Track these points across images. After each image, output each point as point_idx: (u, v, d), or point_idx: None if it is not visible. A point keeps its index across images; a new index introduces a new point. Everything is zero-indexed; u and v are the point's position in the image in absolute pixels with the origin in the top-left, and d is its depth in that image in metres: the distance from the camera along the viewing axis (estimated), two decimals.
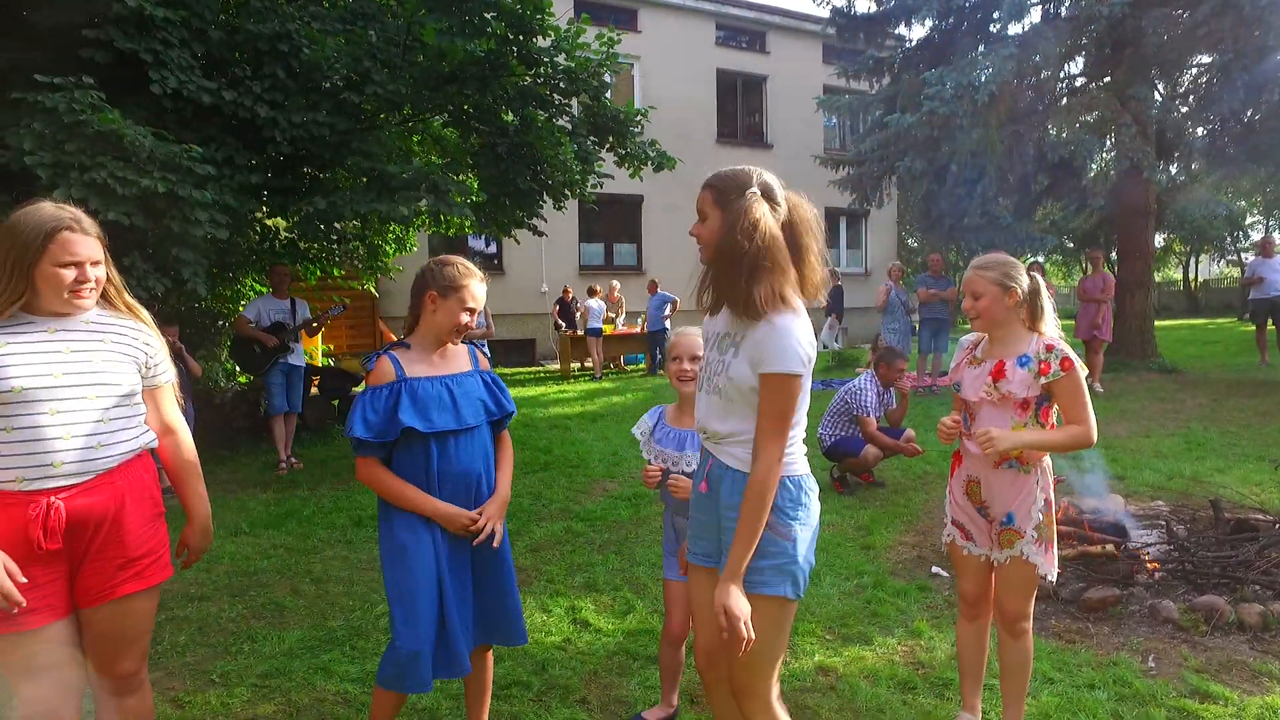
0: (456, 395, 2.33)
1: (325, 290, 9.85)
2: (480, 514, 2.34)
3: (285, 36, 6.05)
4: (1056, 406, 2.50)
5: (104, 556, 1.98)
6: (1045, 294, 2.54)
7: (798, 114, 18.45)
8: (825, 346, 13.25)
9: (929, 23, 10.77)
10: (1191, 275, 32.91)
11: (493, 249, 16.00)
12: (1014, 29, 9.44)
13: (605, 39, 6.77)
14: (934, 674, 3.17)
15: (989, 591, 2.66)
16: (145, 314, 2.16)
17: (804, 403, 1.95)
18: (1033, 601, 2.60)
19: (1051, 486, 2.55)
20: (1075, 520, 4.52)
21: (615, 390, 11.73)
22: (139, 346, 2.10)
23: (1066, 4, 9.19)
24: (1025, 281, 2.49)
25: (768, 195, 1.93)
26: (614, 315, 14.18)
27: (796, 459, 1.97)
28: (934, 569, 4.36)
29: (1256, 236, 31.39)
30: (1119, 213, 9.66)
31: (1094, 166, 10.53)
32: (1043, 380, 2.43)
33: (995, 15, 10.23)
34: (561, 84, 6.58)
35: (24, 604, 1.80)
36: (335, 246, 7.82)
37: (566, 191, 7.57)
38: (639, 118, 7.18)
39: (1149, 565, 4.02)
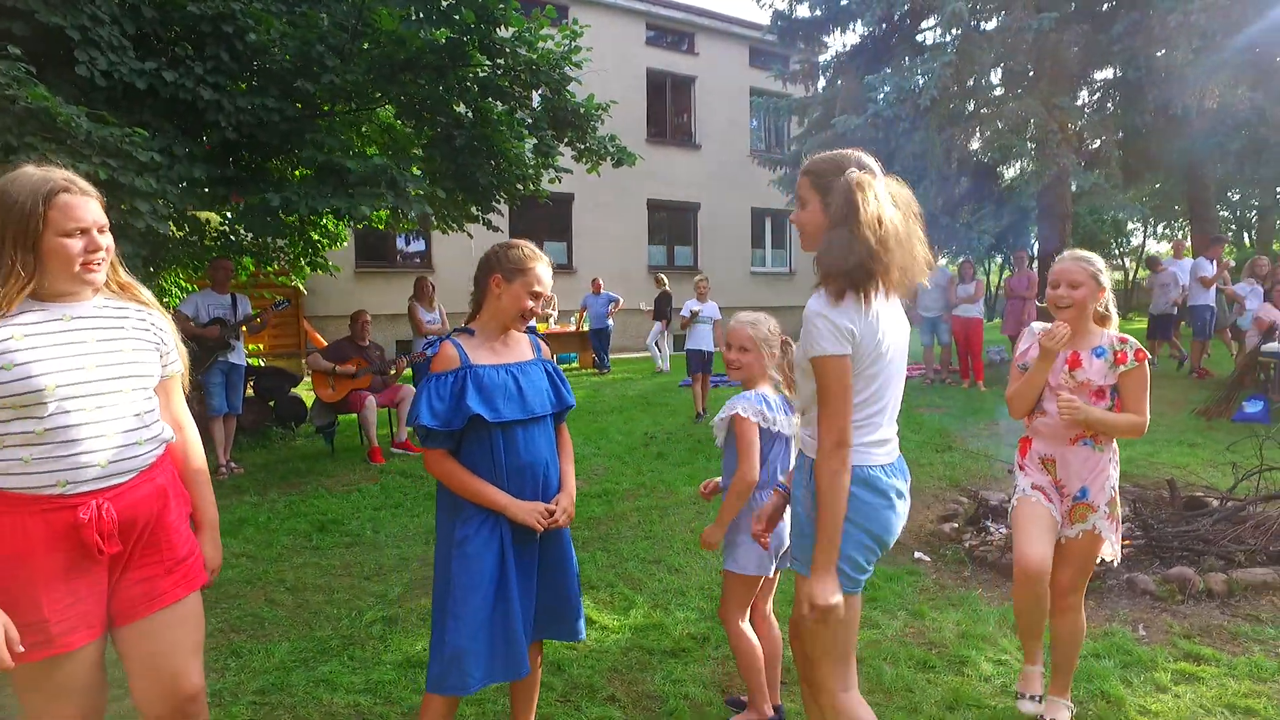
0: (523, 384, 2.23)
1: (257, 287, 9.33)
2: (555, 504, 2.25)
3: (228, 17, 5.69)
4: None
5: (151, 560, 1.80)
6: (1112, 296, 2.68)
7: (725, 115, 18.72)
8: (652, 351, 13.40)
9: (861, 30, 11.11)
10: None
11: (420, 246, 15.57)
12: (945, 38, 9.83)
13: (569, 31, 6.66)
14: (948, 652, 3.24)
15: (1049, 560, 2.59)
16: (146, 293, 1.92)
17: (861, 387, 1.86)
18: (1088, 579, 2.68)
19: (1118, 466, 2.64)
20: None
21: None
22: (155, 332, 1.89)
23: (998, 16, 9.63)
24: (1109, 281, 2.63)
25: (867, 173, 1.88)
26: (549, 313, 14.03)
27: (858, 450, 1.88)
28: (916, 554, 4.47)
29: (1136, 242, 33.87)
30: (1040, 216, 10.21)
31: (1018, 170, 11.08)
32: (1120, 369, 2.53)
33: (924, 25, 10.66)
34: (523, 76, 6.42)
35: (9, 665, 1.57)
36: (280, 242, 7.39)
37: (520, 187, 7.41)
38: (599, 112, 7.09)
39: (1124, 541, 4.22)
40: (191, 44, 5.77)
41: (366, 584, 4.15)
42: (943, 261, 10.97)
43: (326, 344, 9.37)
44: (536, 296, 2.25)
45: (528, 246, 2.30)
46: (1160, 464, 6.18)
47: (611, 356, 14.38)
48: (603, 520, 5.20)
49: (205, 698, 1.95)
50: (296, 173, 7.03)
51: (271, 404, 8.08)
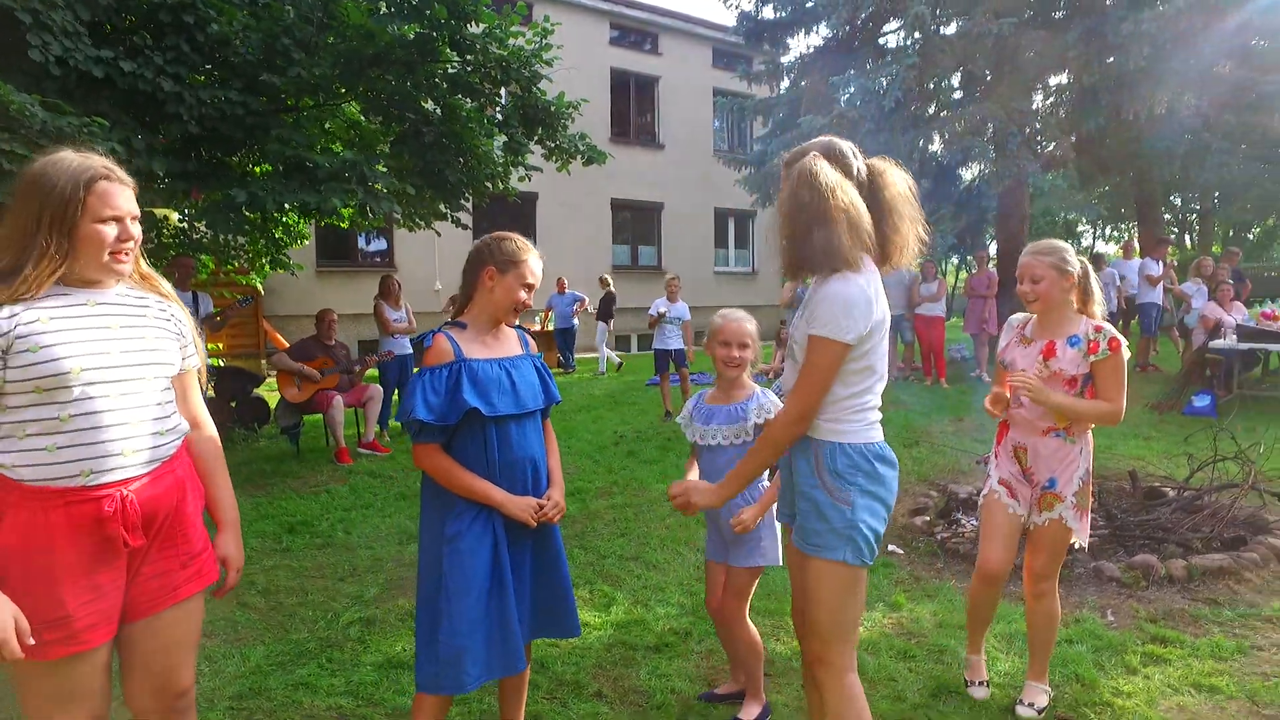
0: (515, 378, 2.22)
1: (216, 286, 9.10)
2: (547, 498, 2.24)
3: (188, 6, 5.54)
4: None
5: (168, 554, 1.77)
6: (1094, 277, 2.68)
7: (688, 115, 18.79)
8: (601, 352, 13.37)
9: (826, 31, 11.25)
10: None
11: (382, 245, 15.35)
12: (908, 41, 10.00)
13: (540, 29, 6.62)
14: (927, 642, 3.30)
15: (1010, 564, 2.74)
16: (166, 285, 1.90)
17: (866, 370, 1.93)
18: (1059, 565, 2.74)
19: (1091, 459, 2.69)
20: None
21: None
22: (175, 324, 1.87)
23: (958, 21, 9.84)
24: (1078, 265, 2.61)
25: (832, 156, 1.95)
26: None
27: (860, 427, 1.95)
28: (890, 547, 4.53)
29: (1086, 242, 34.86)
30: (999, 216, 10.46)
31: (977, 172, 11.32)
32: (1092, 359, 2.55)
33: (887, 29, 10.84)
34: (494, 73, 6.36)
35: (19, 656, 1.53)
36: (241, 239, 7.21)
37: (489, 184, 7.34)
38: (570, 110, 7.05)
39: None
40: (150, 33, 5.61)
41: (341, 585, 4.08)
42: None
43: (289, 344, 9.20)
44: (529, 289, 2.25)
45: (520, 239, 2.29)
46: (1119, 456, 6.37)
47: (576, 356, 14.34)
48: (577, 519, 5.19)
49: (194, 694, 1.91)
50: (258, 169, 6.88)
51: (233, 405, 7.89)
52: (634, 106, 18.33)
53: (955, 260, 22.86)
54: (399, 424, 8.42)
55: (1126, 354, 2.59)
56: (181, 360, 1.87)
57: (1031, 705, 2.70)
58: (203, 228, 6.95)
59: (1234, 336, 8.27)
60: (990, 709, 2.76)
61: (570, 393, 10.84)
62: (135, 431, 1.69)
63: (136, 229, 1.75)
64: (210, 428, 2.00)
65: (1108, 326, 2.59)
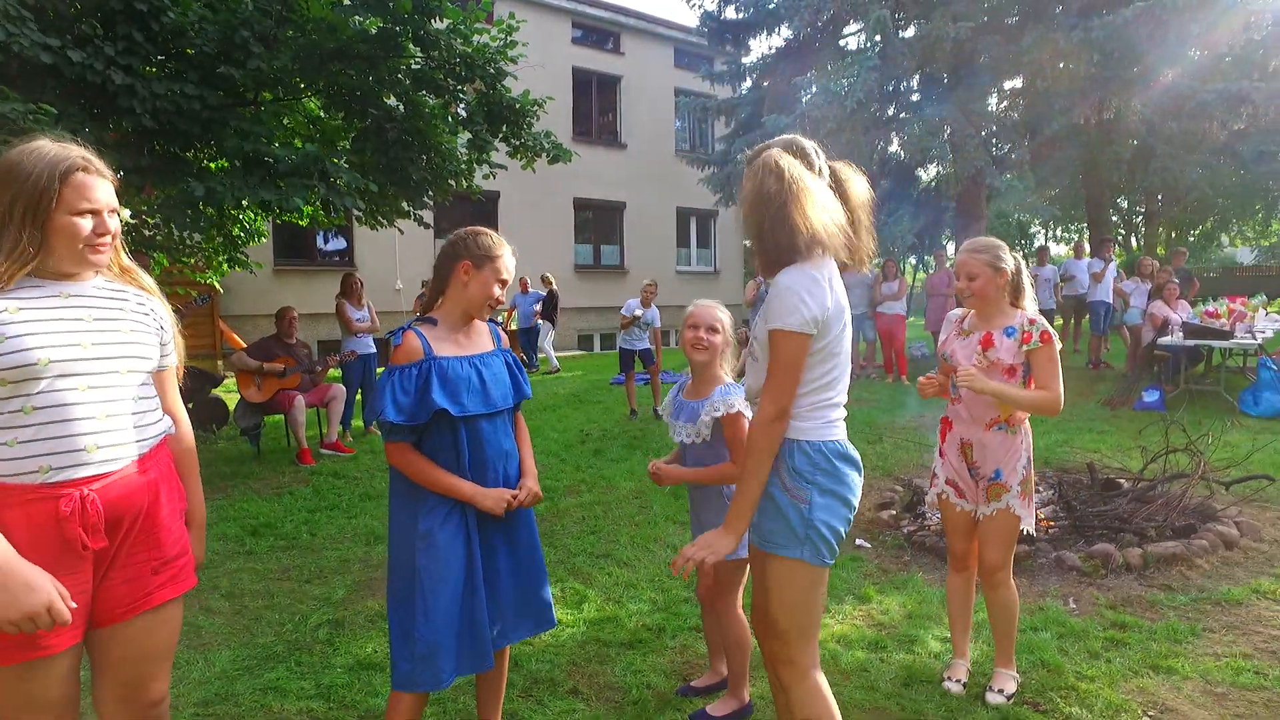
0: (485, 377, 2.20)
1: (172, 284, 8.84)
2: (521, 487, 2.24)
3: None
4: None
5: (137, 559, 1.69)
6: (1026, 274, 2.77)
7: (651, 114, 18.82)
8: (543, 353, 13.32)
9: (788, 33, 11.36)
10: None
11: (342, 244, 15.09)
12: (868, 44, 10.16)
13: (504, 26, 6.56)
14: (897, 632, 3.35)
15: (974, 546, 2.87)
16: (148, 279, 1.84)
17: (823, 365, 1.90)
18: (1012, 554, 2.81)
19: (1031, 448, 2.77)
20: None
21: None
22: (155, 319, 1.81)
23: (916, 24, 10.02)
24: (1012, 262, 2.70)
25: (795, 153, 1.94)
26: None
27: (819, 425, 1.92)
28: (858, 541, 4.60)
29: (1038, 243, 35.75)
30: (957, 216, 10.69)
31: (935, 172, 11.54)
32: (1026, 348, 2.64)
33: (847, 30, 11.00)
34: (458, 69, 6.28)
35: (69, 621, 1.50)
36: (196, 236, 7.00)
37: (453, 182, 7.26)
38: (535, 108, 7.01)
39: (1046, 523, 4.46)
40: (99, 21, 5.43)
41: (308, 588, 4.00)
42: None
43: (246, 344, 9.00)
44: (504, 284, 2.24)
45: (495, 234, 2.28)
46: (1075, 449, 6.55)
47: (539, 356, 14.26)
48: (545, 517, 5.16)
49: (168, 703, 1.85)
50: (214, 164, 6.71)
51: (190, 406, 7.68)
52: (596, 106, 18.31)
53: (913, 260, 23.25)
54: (363, 424, 8.27)
55: (1059, 345, 2.68)
56: (160, 357, 1.81)
57: (1001, 691, 2.76)
58: (153, 224, 6.72)
59: (1180, 334, 8.55)
60: (961, 696, 2.81)
61: (535, 392, 10.75)
62: (105, 427, 1.62)
63: (115, 222, 1.69)
64: (186, 426, 1.95)
65: (1040, 319, 2.69)
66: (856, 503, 1.98)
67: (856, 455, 2.00)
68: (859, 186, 2.03)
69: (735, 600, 2.71)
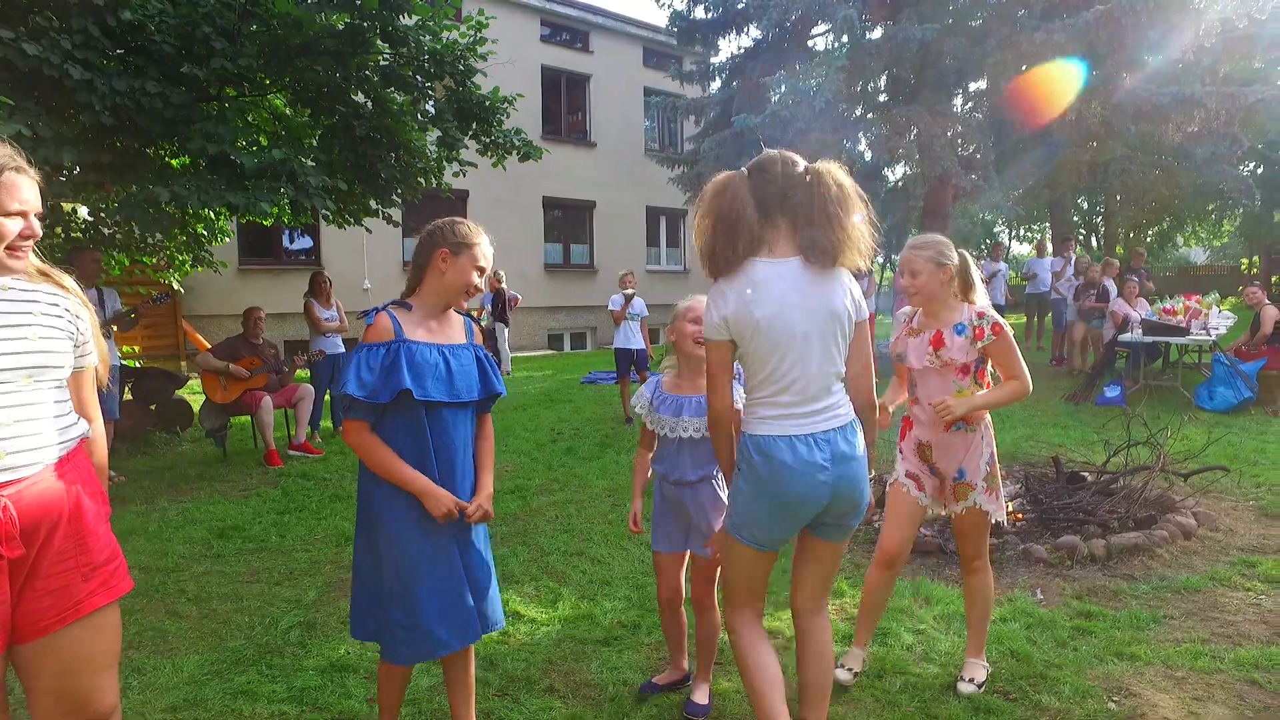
0: (453, 366, 2.22)
1: (133, 283, 8.64)
2: (475, 505, 2.24)
3: None
4: (991, 366, 2.77)
5: (64, 567, 1.62)
6: (974, 267, 2.77)
7: (620, 113, 18.80)
8: (496, 355, 13.12)
9: (757, 33, 11.43)
10: None
11: (308, 243, 14.86)
12: (836, 44, 10.25)
13: (474, 22, 6.51)
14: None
15: (909, 545, 2.88)
16: (66, 279, 1.77)
17: (754, 366, 2.09)
18: (987, 544, 2.86)
19: (994, 442, 2.81)
20: None
21: None
22: (70, 319, 1.74)
23: (884, 25, 10.14)
24: (956, 258, 2.70)
25: (754, 169, 2.12)
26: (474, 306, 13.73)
27: (752, 420, 2.11)
28: None
29: (1003, 241, 36.38)
30: (925, 215, 10.82)
31: (903, 172, 11.69)
32: (979, 345, 2.66)
33: (815, 31, 11.09)
34: (427, 66, 6.22)
35: None
36: (157, 235, 6.84)
37: (422, 180, 7.20)
38: (505, 105, 6.97)
39: (1013, 516, 4.55)
40: (54, 13, 5.29)
41: (278, 590, 3.94)
42: None
43: (210, 344, 8.83)
44: (481, 271, 2.26)
45: (472, 223, 2.30)
46: (1040, 444, 6.68)
47: (510, 355, 14.18)
48: (519, 516, 5.15)
49: (120, 715, 1.79)
50: (176, 161, 6.57)
51: (153, 407, 7.53)
52: (565, 104, 18.25)
53: (881, 259, 23.48)
54: (331, 424, 8.13)
55: (1010, 331, 2.70)
56: (76, 358, 1.75)
57: (972, 680, 2.81)
58: (113, 222, 6.55)
59: (1139, 330, 8.77)
60: (933, 687, 2.86)
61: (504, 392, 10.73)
62: (15, 433, 1.56)
63: (38, 225, 1.63)
64: (98, 428, 1.88)
65: (990, 312, 2.69)
66: (796, 496, 2.06)
67: (784, 453, 2.04)
68: (832, 184, 2.08)
69: (713, 592, 2.74)
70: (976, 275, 2.79)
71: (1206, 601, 3.55)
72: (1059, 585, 3.79)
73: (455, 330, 2.30)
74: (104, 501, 1.78)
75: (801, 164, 2.12)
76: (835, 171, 2.10)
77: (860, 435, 2.17)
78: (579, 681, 2.96)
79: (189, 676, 3.03)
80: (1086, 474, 5.22)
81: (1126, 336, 8.88)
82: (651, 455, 2.79)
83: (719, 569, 2.57)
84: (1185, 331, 8.53)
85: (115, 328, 6.05)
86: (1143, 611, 3.42)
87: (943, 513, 2.86)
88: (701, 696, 2.73)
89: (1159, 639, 3.18)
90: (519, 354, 16.08)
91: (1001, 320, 2.69)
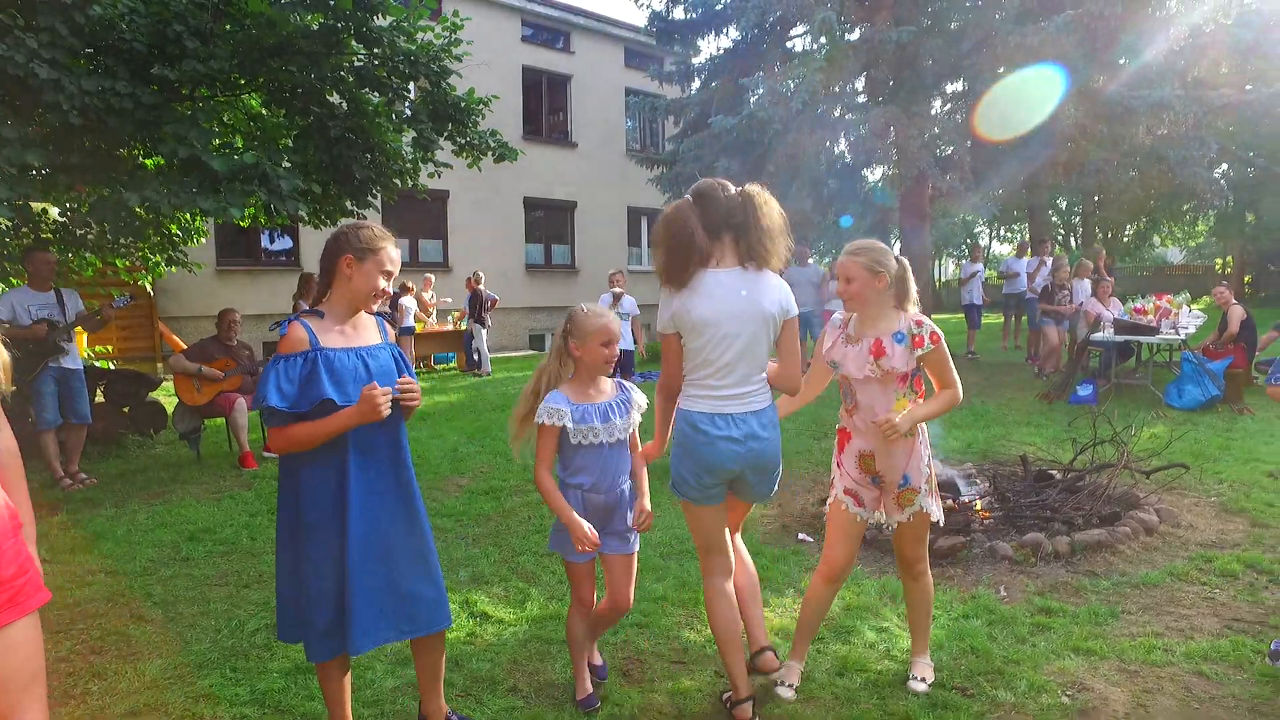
0: (372, 368, 2.29)
1: (105, 284, 8.55)
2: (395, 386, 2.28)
3: None
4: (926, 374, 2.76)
5: None
6: (911, 275, 2.74)
7: (601, 114, 18.81)
8: (478, 354, 13.06)
9: (736, 34, 11.48)
10: (937, 276, 37.67)
11: (287, 243, 14.77)
12: (814, 46, 10.32)
13: (449, 23, 6.50)
14: (835, 623, 3.42)
15: (853, 559, 2.89)
16: None
17: (692, 358, 2.59)
18: (926, 546, 2.89)
19: (928, 443, 2.81)
20: None
21: (435, 389, 11.31)
22: None
23: (860, 27, 10.22)
24: (893, 265, 2.67)
25: (698, 195, 2.60)
26: (426, 316, 13.68)
27: (687, 399, 2.63)
28: (800, 535, 4.69)
29: (984, 242, 36.69)
30: (902, 216, 10.93)
31: (880, 173, 11.78)
32: (918, 353, 2.64)
33: (794, 32, 11.15)
34: (401, 67, 6.20)
35: None
36: (131, 236, 6.77)
37: (398, 181, 7.18)
38: (480, 106, 6.96)
39: (981, 514, 4.60)
40: (20, 11, 5.23)
41: (246, 593, 3.93)
42: (812, 260, 11.51)
43: (187, 345, 8.76)
44: (388, 275, 2.30)
45: (377, 227, 2.35)
46: (1012, 442, 6.76)
47: (491, 355, 14.18)
48: (492, 516, 5.15)
49: None
50: (150, 161, 6.52)
51: (126, 410, 7.46)
52: (546, 104, 18.24)
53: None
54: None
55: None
56: None
57: (923, 680, 2.84)
58: (83, 224, 6.49)
59: (1111, 330, 8.88)
60: (892, 684, 2.89)
61: (485, 392, 10.72)
62: None
63: None
64: (8, 436, 1.83)
65: (926, 321, 2.67)
66: (712, 461, 2.56)
67: (709, 427, 2.55)
68: (764, 206, 2.57)
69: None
70: (912, 284, 2.74)
71: (1164, 596, 3.61)
72: (1023, 582, 3.84)
73: (369, 332, 2.36)
74: (13, 514, 1.70)
75: (733, 188, 2.59)
76: (762, 193, 2.58)
77: (775, 417, 2.68)
78: (542, 682, 2.98)
79: (151, 680, 3.02)
80: (1055, 472, 5.29)
81: (1098, 336, 8.99)
82: (559, 469, 2.71)
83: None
84: (1155, 331, 8.65)
85: (79, 329, 5.99)
86: (1101, 607, 3.48)
87: (884, 521, 2.84)
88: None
89: (1115, 634, 3.23)
90: (500, 354, 16.06)
91: (938, 330, 2.67)
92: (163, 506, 5.41)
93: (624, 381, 2.79)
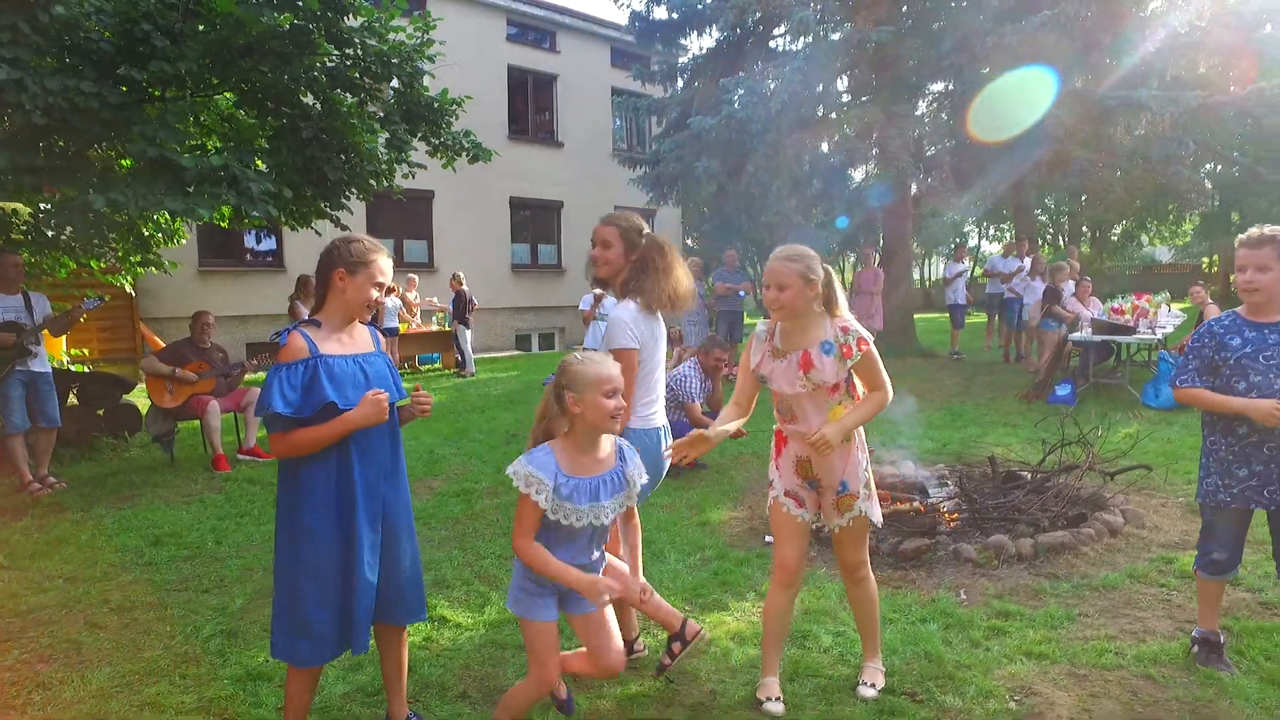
0: (370, 374, 2.39)
1: (80, 285, 8.49)
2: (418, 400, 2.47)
3: None
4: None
5: None
6: (838, 283, 2.68)
7: (588, 114, 18.79)
8: (461, 356, 12.96)
9: (717, 34, 11.47)
10: (925, 275, 37.78)
11: (272, 244, 14.71)
12: (795, 45, 10.32)
13: (420, 24, 6.47)
14: (792, 627, 3.40)
15: (805, 559, 2.83)
16: None
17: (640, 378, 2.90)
18: (867, 550, 2.86)
19: (865, 445, 2.78)
20: (885, 485, 5.07)
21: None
22: None
23: (840, 27, 10.22)
24: (822, 272, 2.60)
25: (642, 229, 3.04)
26: (411, 316, 13.64)
27: (637, 418, 2.88)
28: (766, 538, 4.67)
29: (971, 243, 36.78)
30: (885, 216, 10.94)
31: (863, 173, 11.79)
32: (848, 363, 2.57)
33: (775, 32, 11.14)
34: (373, 67, 6.17)
35: None
36: (108, 236, 6.71)
37: (373, 182, 7.15)
38: (454, 107, 6.93)
39: (947, 517, 4.60)
40: None
41: (205, 597, 3.90)
42: None
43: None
44: (380, 287, 2.40)
45: (368, 240, 2.43)
46: (987, 444, 6.76)
47: (477, 356, 14.15)
48: (460, 519, 5.13)
49: None
50: (125, 162, 6.46)
51: (100, 413, 7.41)
52: (532, 104, 18.20)
53: (852, 257, 23.63)
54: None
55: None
56: None
57: (873, 685, 2.83)
58: (55, 224, 6.43)
59: (1089, 329, 8.91)
60: (840, 690, 2.88)
61: (468, 393, 10.70)
62: None
63: None
64: None
65: (854, 325, 2.60)
66: (661, 470, 2.96)
67: (662, 440, 2.94)
68: (670, 253, 3.04)
69: None
70: (839, 291, 2.67)
71: (1122, 599, 3.61)
72: (983, 585, 3.84)
73: (364, 342, 2.47)
74: None
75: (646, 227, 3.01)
76: (661, 238, 3.05)
77: None
78: (491, 688, 2.96)
79: (97, 689, 2.99)
80: (1025, 473, 5.30)
81: (1077, 335, 9.01)
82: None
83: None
84: (1133, 331, 8.67)
85: (47, 332, 5.95)
86: (1059, 610, 3.48)
87: (824, 524, 2.82)
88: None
89: (1070, 637, 3.23)
90: (487, 355, 16.03)
91: (866, 334, 2.62)
92: (130, 510, 5.37)
93: (625, 445, 2.46)
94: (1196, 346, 2.87)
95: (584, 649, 2.52)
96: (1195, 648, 2.97)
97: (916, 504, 4.67)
